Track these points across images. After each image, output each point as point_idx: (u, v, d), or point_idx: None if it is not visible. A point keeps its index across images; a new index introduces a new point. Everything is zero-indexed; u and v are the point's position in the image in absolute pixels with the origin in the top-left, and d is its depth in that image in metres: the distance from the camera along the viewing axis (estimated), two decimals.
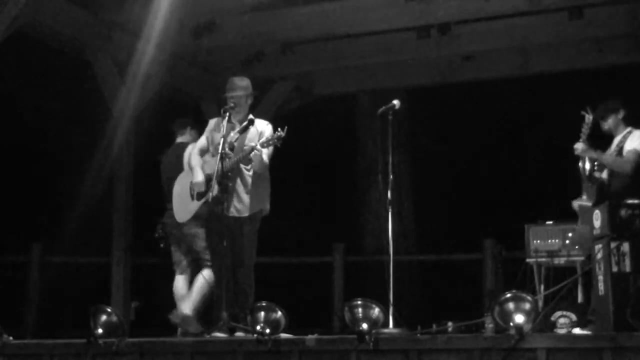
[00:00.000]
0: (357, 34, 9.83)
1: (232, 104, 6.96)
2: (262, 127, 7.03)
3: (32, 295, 10.70)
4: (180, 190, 7.36)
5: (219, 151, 6.70)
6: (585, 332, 6.09)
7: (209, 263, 7.26)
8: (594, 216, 6.16)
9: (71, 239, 10.83)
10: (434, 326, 6.20)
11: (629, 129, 7.27)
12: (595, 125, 7.33)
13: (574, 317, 6.43)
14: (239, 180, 6.93)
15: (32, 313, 10.61)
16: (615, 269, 5.85)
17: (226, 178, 6.76)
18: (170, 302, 7.57)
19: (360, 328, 5.74)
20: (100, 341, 6.32)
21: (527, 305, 5.55)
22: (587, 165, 7.24)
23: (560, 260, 7.67)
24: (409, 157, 12.13)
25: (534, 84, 11.59)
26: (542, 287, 7.62)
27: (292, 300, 7.00)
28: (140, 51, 8.94)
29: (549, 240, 7.70)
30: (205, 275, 7.30)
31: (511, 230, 8.38)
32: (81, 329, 6.68)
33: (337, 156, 12.96)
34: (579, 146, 7.20)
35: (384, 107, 6.79)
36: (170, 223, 7.60)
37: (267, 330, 5.96)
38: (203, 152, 7.19)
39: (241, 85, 7.09)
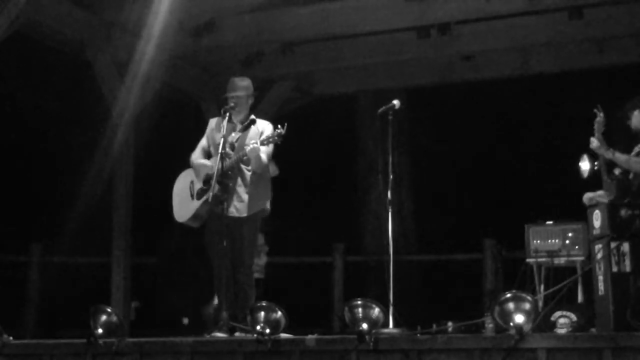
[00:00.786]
0: (357, 34, 9.83)
1: (232, 104, 6.94)
2: (263, 127, 7.01)
3: (32, 295, 10.70)
4: (180, 189, 7.35)
5: (219, 151, 6.69)
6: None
7: None
8: (594, 216, 6.16)
9: (71, 239, 10.83)
10: (434, 326, 6.21)
11: None
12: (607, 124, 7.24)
13: (574, 317, 6.43)
14: (239, 180, 6.92)
15: (32, 313, 10.60)
16: (615, 269, 5.86)
17: (226, 177, 6.76)
18: (170, 302, 7.56)
19: (360, 328, 5.73)
20: (100, 341, 6.31)
21: (527, 305, 5.53)
22: (587, 166, 7.19)
23: (560, 260, 7.65)
24: (409, 157, 12.11)
25: (534, 84, 11.58)
26: (542, 287, 7.61)
27: (292, 300, 6.99)
28: (140, 51, 8.94)
29: (549, 240, 7.69)
30: None
31: (511, 230, 8.38)
32: (81, 329, 6.67)
33: (337, 156, 12.96)
34: (595, 141, 7.05)
35: (384, 107, 6.79)
36: None
37: (267, 330, 5.95)
38: (204, 152, 7.18)
39: (242, 86, 7.08)
